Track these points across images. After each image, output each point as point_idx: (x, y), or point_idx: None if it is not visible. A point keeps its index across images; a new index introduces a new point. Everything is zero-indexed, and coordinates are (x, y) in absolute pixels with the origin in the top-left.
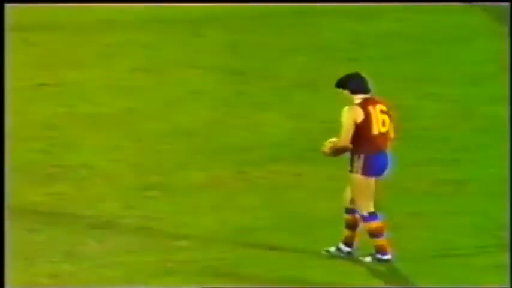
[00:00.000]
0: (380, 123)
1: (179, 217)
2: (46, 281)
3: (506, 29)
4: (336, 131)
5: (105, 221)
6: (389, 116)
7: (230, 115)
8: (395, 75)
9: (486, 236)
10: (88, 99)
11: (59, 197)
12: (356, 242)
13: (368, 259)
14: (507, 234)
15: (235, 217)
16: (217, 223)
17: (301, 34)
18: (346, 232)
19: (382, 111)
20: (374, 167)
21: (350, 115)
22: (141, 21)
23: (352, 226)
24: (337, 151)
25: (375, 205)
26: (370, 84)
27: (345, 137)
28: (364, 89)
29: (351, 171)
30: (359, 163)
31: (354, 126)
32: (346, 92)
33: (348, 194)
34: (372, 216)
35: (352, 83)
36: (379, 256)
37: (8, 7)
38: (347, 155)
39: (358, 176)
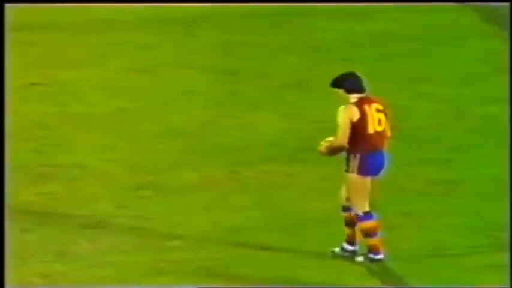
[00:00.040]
0: (376, 122)
1: (172, 217)
2: (38, 280)
3: (498, 29)
4: (328, 130)
5: (98, 221)
6: (385, 115)
7: (223, 115)
8: (388, 75)
9: (479, 236)
10: (81, 98)
11: (51, 197)
12: (358, 240)
13: (360, 259)
14: (500, 234)
15: (227, 217)
16: (209, 223)
17: (293, 34)
18: (346, 230)
19: (377, 110)
20: (370, 166)
21: (346, 114)
22: (134, 22)
23: (351, 223)
24: (333, 150)
25: (371, 204)
26: (366, 83)
27: (341, 136)
28: (359, 88)
29: (346, 171)
30: (355, 162)
31: (350, 125)
32: (341, 92)
33: (343, 192)
34: (367, 215)
35: (348, 83)
36: (371, 256)
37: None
38: (342, 154)
39: (354, 176)
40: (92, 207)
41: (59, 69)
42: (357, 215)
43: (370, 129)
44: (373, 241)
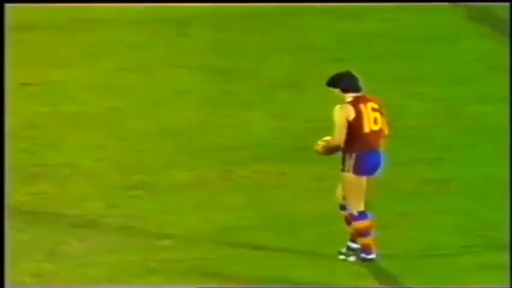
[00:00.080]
0: (372, 121)
1: (163, 216)
2: (29, 280)
3: (490, 29)
4: (320, 130)
5: (88, 220)
6: (381, 114)
7: (215, 114)
8: (380, 75)
9: (470, 236)
10: (72, 98)
11: (41, 196)
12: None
13: (352, 258)
14: (491, 233)
15: (219, 216)
16: (201, 222)
17: (286, 34)
18: (348, 229)
19: (373, 109)
20: (366, 166)
21: (342, 113)
22: (126, 21)
23: (351, 222)
24: (330, 150)
25: (366, 204)
26: (361, 82)
27: (338, 136)
28: (355, 88)
29: (342, 170)
30: (351, 162)
31: (346, 124)
32: (337, 91)
33: (339, 191)
34: (362, 215)
35: (343, 82)
36: (363, 255)
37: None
38: (337, 154)
39: (349, 175)
40: (82, 207)
41: (50, 68)
42: (351, 214)
43: (366, 129)
44: (366, 241)
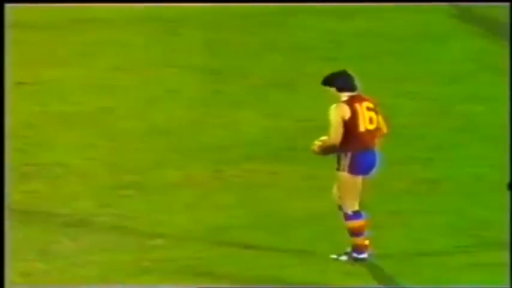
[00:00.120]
0: (367, 120)
1: (154, 216)
2: (19, 279)
3: (482, 28)
4: (312, 130)
5: (80, 220)
6: (376, 113)
7: (207, 114)
8: (373, 74)
9: (461, 235)
10: (64, 98)
11: (33, 195)
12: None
13: (344, 258)
14: (483, 233)
15: (210, 216)
16: (192, 222)
17: (278, 33)
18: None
19: (368, 108)
20: (361, 165)
21: (338, 112)
22: (118, 21)
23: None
24: (326, 149)
25: (360, 204)
26: (357, 81)
27: (334, 135)
28: (350, 87)
29: (338, 169)
30: (346, 161)
31: (342, 123)
32: (332, 90)
33: (335, 191)
34: (356, 215)
35: (339, 81)
36: (355, 255)
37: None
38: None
39: (344, 174)
40: (74, 206)
41: (43, 68)
42: (345, 213)
43: (362, 128)
44: (359, 240)
